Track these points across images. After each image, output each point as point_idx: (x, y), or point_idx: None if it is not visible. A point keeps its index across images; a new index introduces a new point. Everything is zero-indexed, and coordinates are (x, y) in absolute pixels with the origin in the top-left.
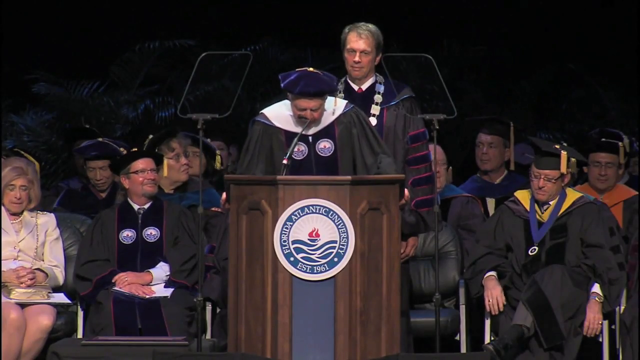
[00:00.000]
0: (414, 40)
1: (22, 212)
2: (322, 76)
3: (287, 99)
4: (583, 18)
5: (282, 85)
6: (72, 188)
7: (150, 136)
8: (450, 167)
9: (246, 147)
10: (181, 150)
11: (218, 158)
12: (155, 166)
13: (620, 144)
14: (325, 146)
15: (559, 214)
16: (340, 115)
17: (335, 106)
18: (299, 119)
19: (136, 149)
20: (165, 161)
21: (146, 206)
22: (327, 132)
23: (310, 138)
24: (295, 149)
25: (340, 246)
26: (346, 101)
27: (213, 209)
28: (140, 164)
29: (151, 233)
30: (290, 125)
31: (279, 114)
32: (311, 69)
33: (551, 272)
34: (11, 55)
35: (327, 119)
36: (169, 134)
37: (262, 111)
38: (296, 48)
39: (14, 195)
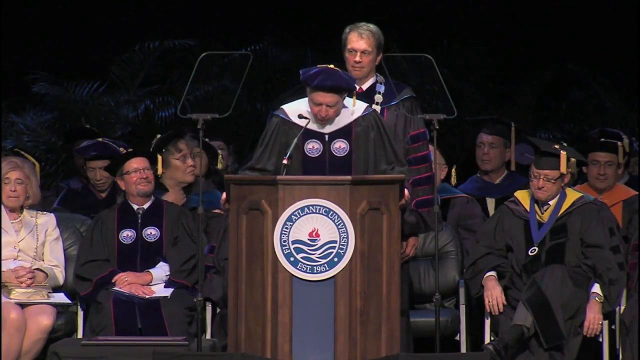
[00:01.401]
0: (414, 40)
1: (21, 211)
2: (340, 73)
3: (305, 96)
4: (583, 18)
5: (301, 77)
6: (72, 188)
7: (158, 135)
8: (454, 167)
9: (261, 139)
10: (188, 152)
11: (220, 158)
12: (150, 165)
13: (619, 143)
14: (340, 146)
15: (559, 214)
16: (359, 117)
17: (354, 107)
18: (315, 116)
19: (131, 150)
20: (160, 159)
21: (146, 206)
22: (344, 133)
23: (326, 137)
24: (310, 146)
25: (340, 246)
26: (367, 104)
27: (215, 210)
28: (133, 163)
29: (151, 233)
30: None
31: (298, 110)
32: (332, 66)
33: (551, 272)
34: (11, 55)
35: (346, 119)
36: (176, 135)
37: (282, 106)
38: (296, 48)
39: (9, 188)
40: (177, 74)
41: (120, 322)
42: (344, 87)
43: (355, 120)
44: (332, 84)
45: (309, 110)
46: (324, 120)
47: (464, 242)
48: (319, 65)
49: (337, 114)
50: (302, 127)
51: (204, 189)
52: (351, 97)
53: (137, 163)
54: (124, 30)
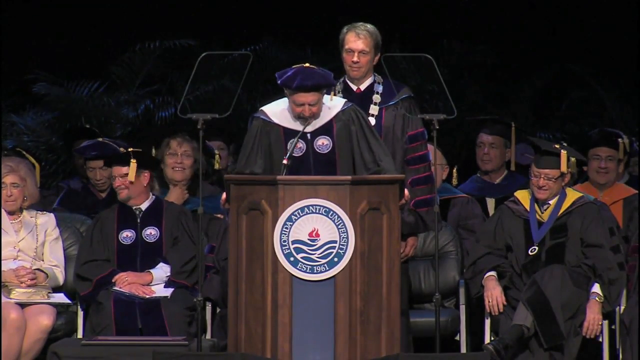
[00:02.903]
0: (414, 40)
1: (21, 212)
2: (318, 71)
3: (286, 96)
4: (583, 18)
5: (279, 82)
6: (72, 188)
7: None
8: (455, 168)
9: (245, 143)
10: (179, 150)
11: (217, 157)
12: (125, 171)
13: (620, 140)
14: (323, 143)
15: (559, 213)
16: (339, 112)
17: (333, 104)
18: (298, 116)
19: (131, 149)
20: (132, 164)
21: (144, 206)
22: (325, 129)
23: (308, 135)
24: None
25: (340, 246)
26: (345, 99)
27: (218, 215)
28: (114, 171)
29: (150, 233)
30: (289, 122)
31: (278, 110)
32: (307, 64)
33: (551, 272)
34: (11, 55)
35: (326, 116)
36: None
37: (262, 108)
38: (296, 48)
39: (5, 193)
40: (177, 74)
41: (120, 322)
42: (324, 84)
43: (335, 115)
44: (312, 83)
45: (290, 110)
46: (308, 119)
47: (464, 242)
48: (294, 66)
49: (320, 110)
50: (283, 127)
51: (209, 193)
52: (329, 92)
53: (115, 171)
54: (124, 30)
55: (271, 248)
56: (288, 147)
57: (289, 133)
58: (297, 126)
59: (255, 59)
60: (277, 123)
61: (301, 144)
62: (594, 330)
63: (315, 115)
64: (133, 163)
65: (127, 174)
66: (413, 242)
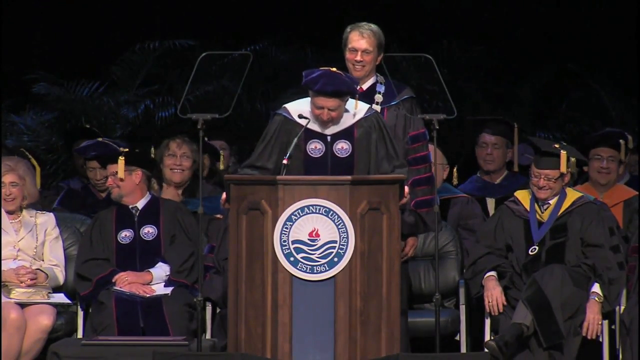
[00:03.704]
0: (414, 40)
1: (20, 211)
2: (343, 77)
3: (307, 95)
4: (583, 18)
5: (303, 81)
6: (72, 188)
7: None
8: (455, 167)
9: (263, 137)
10: (178, 152)
11: (222, 158)
12: (116, 169)
13: (622, 141)
14: (342, 147)
15: (559, 213)
16: (361, 118)
17: (356, 109)
18: (316, 118)
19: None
20: (120, 162)
21: (140, 205)
22: (346, 134)
23: (328, 137)
24: (313, 147)
25: (340, 246)
26: (369, 105)
27: (218, 216)
28: (107, 170)
29: (148, 231)
30: (311, 123)
31: (301, 109)
32: (334, 69)
33: (551, 272)
34: (11, 55)
35: (348, 120)
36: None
37: (285, 105)
38: (296, 48)
39: (4, 192)
40: (177, 74)
41: (122, 321)
42: (346, 92)
43: (357, 121)
44: (333, 89)
45: (310, 111)
46: (326, 123)
47: (464, 242)
48: (321, 68)
49: (340, 115)
50: (304, 126)
51: (209, 193)
52: (354, 98)
53: (108, 170)
54: (124, 30)
55: (271, 248)
56: (305, 147)
57: (309, 133)
58: (317, 127)
59: (255, 59)
60: (298, 122)
61: (320, 145)
62: (594, 330)
63: (334, 121)
64: (121, 160)
65: (115, 173)
66: (413, 242)
